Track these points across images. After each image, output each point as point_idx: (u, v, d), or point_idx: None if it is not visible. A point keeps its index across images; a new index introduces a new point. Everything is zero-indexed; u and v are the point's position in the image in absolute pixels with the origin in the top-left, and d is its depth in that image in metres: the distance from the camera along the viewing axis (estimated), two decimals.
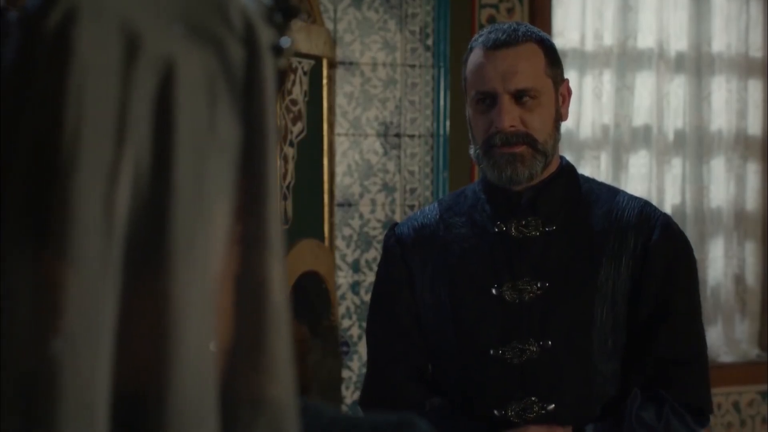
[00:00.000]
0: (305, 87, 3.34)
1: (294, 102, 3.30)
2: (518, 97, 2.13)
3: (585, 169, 4.19)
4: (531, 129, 2.13)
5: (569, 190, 2.22)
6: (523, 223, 2.18)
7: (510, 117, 2.10)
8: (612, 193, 2.25)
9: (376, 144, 3.94)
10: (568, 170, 2.24)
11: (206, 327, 0.73)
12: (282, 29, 0.79)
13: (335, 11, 3.87)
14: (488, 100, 2.13)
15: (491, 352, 2.14)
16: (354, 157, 3.91)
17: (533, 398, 2.13)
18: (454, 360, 2.19)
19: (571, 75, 4.11)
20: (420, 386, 2.22)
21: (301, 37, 3.30)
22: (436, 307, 2.21)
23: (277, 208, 0.77)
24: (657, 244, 2.15)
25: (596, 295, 2.14)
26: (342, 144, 3.86)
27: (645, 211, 2.20)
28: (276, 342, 0.76)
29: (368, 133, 3.94)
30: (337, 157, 3.81)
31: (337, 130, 3.83)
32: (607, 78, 4.25)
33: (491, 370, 2.15)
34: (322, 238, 3.45)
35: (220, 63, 0.75)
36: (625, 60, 4.27)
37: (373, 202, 3.94)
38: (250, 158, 0.75)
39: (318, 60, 3.38)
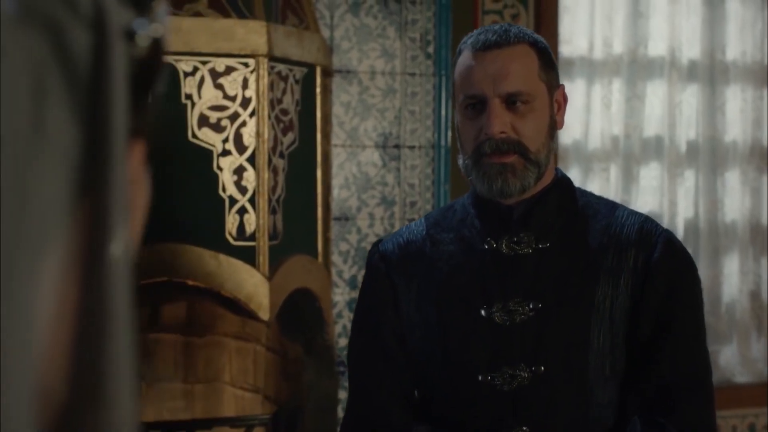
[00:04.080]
0: (297, 96, 3.19)
1: (285, 111, 3.16)
2: (510, 102, 1.99)
3: (594, 182, 4.14)
4: (523, 137, 1.99)
5: (564, 204, 2.08)
6: (515, 239, 2.04)
7: (500, 122, 1.97)
8: (610, 207, 2.10)
9: (374, 156, 3.83)
10: (563, 183, 2.10)
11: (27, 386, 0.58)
12: (143, 11, 0.64)
13: (332, 17, 3.74)
14: (478, 105, 2.00)
15: (480, 378, 2.00)
16: (351, 169, 3.80)
17: (525, 428, 1.98)
18: (442, 385, 2.05)
19: (579, 84, 4.14)
20: (405, 412, 2.09)
21: (291, 44, 3.16)
22: (422, 329, 2.07)
23: (127, 229, 0.61)
24: (658, 262, 2.01)
25: (593, 316, 2.00)
26: (339, 156, 3.74)
27: (645, 226, 2.06)
28: (117, 396, 0.61)
29: (366, 144, 3.83)
30: (334, 170, 3.70)
31: (334, 141, 3.72)
32: (617, 87, 4.17)
33: (480, 397, 2.00)
34: (315, 254, 3.30)
35: (54, 50, 0.60)
36: (636, 68, 4.18)
37: (372, 216, 3.80)
38: (91, 167, 0.60)
39: (311, 68, 3.24)
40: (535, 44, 2.04)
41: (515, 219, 2.05)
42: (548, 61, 2.05)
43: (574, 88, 4.09)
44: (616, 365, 2.01)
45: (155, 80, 0.68)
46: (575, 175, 4.15)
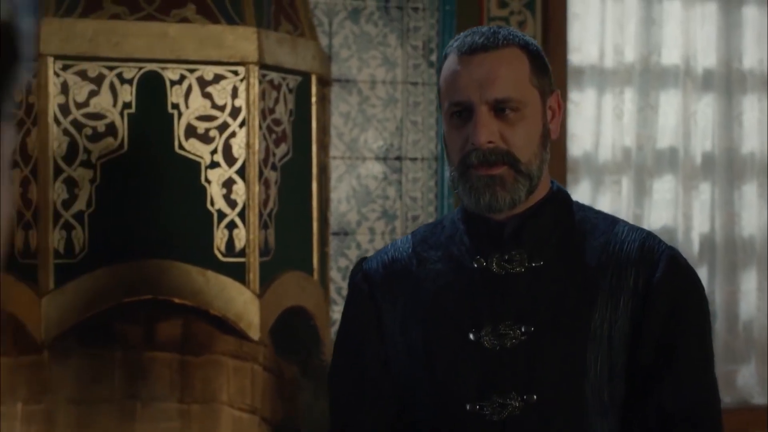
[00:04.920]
0: (290, 105, 3.08)
1: (277, 122, 3.05)
2: (498, 109, 1.86)
3: (605, 196, 4.08)
4: (512, 146, 1.86)
5: (560, 220, 1.94)
6: (506, 257, 1.90)
7: (488, 131, 1.84)
8: (610, 223, 1.96)
9: (375, 168, 3.74)
10: (559, 196, 1.96)
11: None
12: None
13: (330, 25, 3.65)
14: (464, 113, 1.87)
15: (468, 407, 1.87)
16: (351, 182, 3.73)
17: None
18: (427, 414, 1.92)
19: (589, 94, 4.08)
20: None
21: (284, 51, 3.04)
22: (407, 353, 1.95)
23: None
24: (661, 281, 1.88)
25: (590, 340, 1.86)
26: (338, 168, 3.66)
27: (647, 243, 1.92)
28: None
29: (366, 156, 3.75)
30: (332, 182, 3.63)
31: (333, 152, 3.64)
32: (629, 97, 4.13)
33: (468, 427, 1.88)
34: (310, 271, 3.18)
35: None
36: (649, 77, 4.14)
37: (372, 230, 3.72)
38: None
39: (306, 76, 3.13)
40: (526, 47, 1.91)
41: (506, 235, 1.92)
42: (541, 65, 1.91)
43: (585, 98, 4.06)
44: (615, 394, 1.88)
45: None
46: (585, 189, 4.09)
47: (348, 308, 2.04)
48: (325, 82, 3.31)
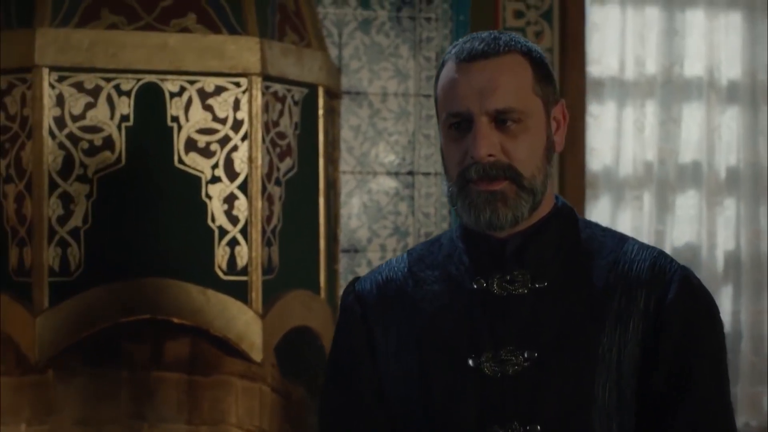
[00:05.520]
0: (296, 118, 3.01)
1: (281, 135, 2.98)
2: (499, 120, 1.76)
3: (625, 212, 4.05)
4: (514, 160, 1.76)
5: (565, 238, 1.84)
6: (508, 278, 1.80)
7: (488, 144, 1.74)
8: (619, 241, 1.86)
9: (386, 183, 3.71)
10: (564, 213, 1.86)
11: None
12: None
13: (340, 35, 3.60)
14: (463, 125, 1.77)
15: None
16: (361, 197, 3.70)
17: None
18: None
19: (609, 106, 4.05)
20: None
21: (289, 62, 2.98)
22: (402, 381, 1.84)
23: None
24: (673, 303, 1.77)
25: (597, 367, 1.76)
26: (348, 183, 3.65)
27: (659, 263, 1.81)
28: None
29: (377, 170, 3.72)
30: (342, 198, 3.62)
31: (342, 167, 3.62)
32: (651, 110, 4.11)
33: None
34: (317, 289, 3.10)
35: None
36: (671, 89, 4.11)
37: (383, 247, 3.68)
38: None
39: (312, 88, 3.07)
40: (529, 53, 1.80)
41: (508, 254, 1.81)
42: (545, 73, 1.81)
43: (605, 111, 4.04)
44: (625, 424, 1.77)
45: None
46: (605, 205, 4.05)
47: (339, 332, 1.95)
48: (334, 95, 3.27)
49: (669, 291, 1.77)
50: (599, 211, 4.03)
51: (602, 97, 4.03)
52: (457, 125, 1.77)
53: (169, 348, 3.00)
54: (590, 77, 4.00)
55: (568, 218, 1.86)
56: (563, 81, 3.88)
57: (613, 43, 4.03)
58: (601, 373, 1.75)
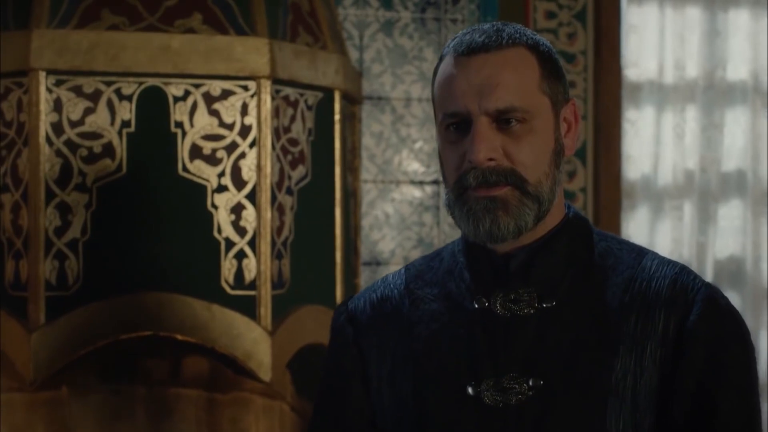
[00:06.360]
0: (309, 124, 2.93)
1: (293, 141, 2.89)
2: (501, 120, 1.61)
3: (665, 223, 3.97)
4: (517, 164, 1.61)
5: (577, 252, 1.69)
6: (512, 296, 1.65)
7: (488, 146, 1.59)
8: (637, 255, 1.71)
9: (410, 192, 3.64)
10: (576, 224, 1.71)
11: None
12: None
13: (361, 38, 3.54)
14: (461, 125, 1.63)
15: None
16: (383, 207, 3.63)
17: None
18: None
19: (647, 112, 3.98)
20: None
21: (302, 65, 2.90)
22: (396, 410, 1.70)
23: None
24: (696, 326, 1.62)
25: (610, 396, 1.61)
26: (369, 192, 3.61)
27: (681, 280, 1.65)
28: None
29: (401, 179, 3.65)
30: (363, 208, 3.57)
31: (363, 176, 3.56)
32: (692, 115, 4.03)
33: None
34: (332, 304, 2.99)
35: None
36: (713, 94, 4.04)
37: (407, 260, 3.61)
38: None
39: (328, 92, 2.98)
40: (536, 47, 1.65)
41: (512, 271, 1.66)
42: (553, 69, 1.66)
43: (642, 117, 3.99)
44: None
45: None
46: (643, 215, 3.96)
47: (329, 356, 1.81)
48: (353, 100, 3.19)
49: (691, 312, 1.63)
50: (637, 223, 3.96)
51: (640, 102, 3.98)
52: (455, 126, 1.64)
53: (188, 364, 2.94)
54: (627, 81, 3.94)
55: (581, 230, 1.71)
56: (598, 85, 3.83)
57: (652, 45, 3.98)
58: (613, 405, 1.61)
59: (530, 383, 1.61)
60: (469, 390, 1.62)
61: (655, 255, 1.70)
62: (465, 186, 1.61)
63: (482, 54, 1.62)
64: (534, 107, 1.62)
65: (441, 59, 1.68)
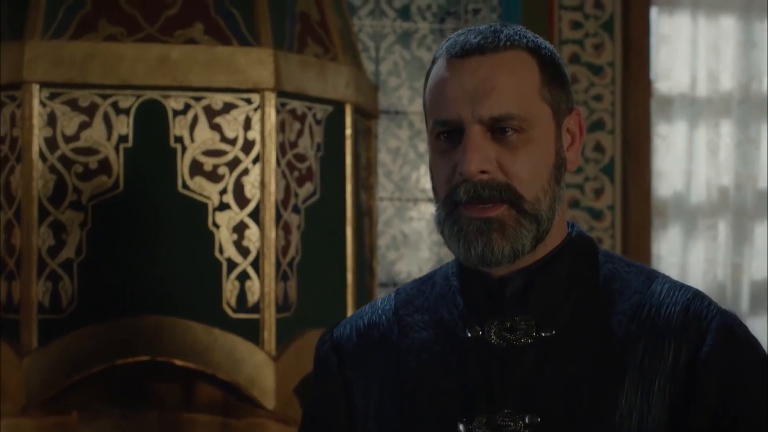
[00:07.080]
0: (318, 139, 2.87)
1: (300, 157, 2.84)
2: (496, 129, 1.49)
3: (698, 242, 3.91)
4: (514, 178, 1.49)
5: (579, 276, 1.56)
6: (508, 324, 1.53)
7: (481, 157, 1.47)
8: (646, 278, 1.58)
9: (428, 210, 3.57)
10: (579, 245, 1.58)
11: None
12: None
13: (377, 50, 3.50)
14: (453, 135, 1.51)
15: None
16: (400, 226, 3.58)
17: None
18: None
19: (679, 126, 3.92)
20: None
21: (309, 77, 2.87)
22: None
23: None
24: (710, 358, 1.49)
25: None
26: (385, 210, 3.57)
27: (693, 306, 1.52)
28: None
29: (418, 197, 3.60)
30: (379, 227, 3.50)
31: (380, 193, 3.48)
32: (726, 130, 4.00)
33: None
34: None
35: None
36: (748, 107, 4.00)
37: None
38: None
39: (338, 105, 2.91)
40: (537, 50, 1.54)
41: (508, 296, 1.54)
42: (556, 74, 1.53)
43: (674, 131, 3.96)
44: None
45: None
46: (675, 234, 3.90)
47: (313, 387, 1.70)
48: (368, 114, 3.11)
49: (705, 342, 1.50)
50: (668, 243, 3.90)
51: (671, 116, 3.93)
52: (446, 135, 1.51)
53: (202, 389, 2.90)
54: (657, 94, 3.90)
55: (585, 251, 1.57)
56: (626, 98, 3.78)
57: (684, 56, 3.94)
58: None
59: (526, 420, 1.49)
60: (461, 428, 1.51)
61: (666, 278, 1.57)
62: (456, 201, 1.49)
63: (477, 56, 1.50)
64: (533, 115, 1.49)
65: (433, 62, 1.57)
